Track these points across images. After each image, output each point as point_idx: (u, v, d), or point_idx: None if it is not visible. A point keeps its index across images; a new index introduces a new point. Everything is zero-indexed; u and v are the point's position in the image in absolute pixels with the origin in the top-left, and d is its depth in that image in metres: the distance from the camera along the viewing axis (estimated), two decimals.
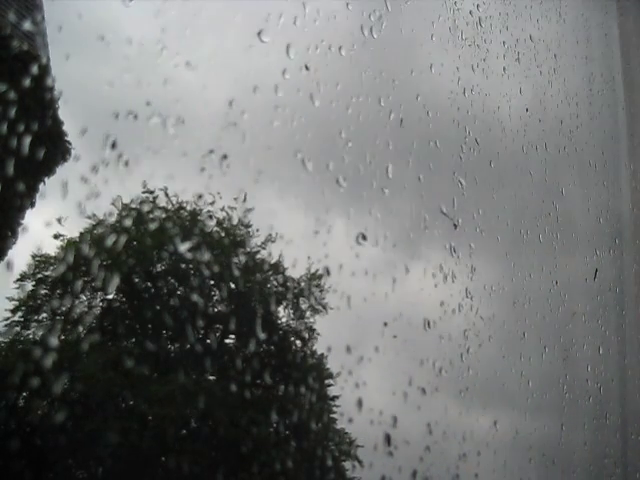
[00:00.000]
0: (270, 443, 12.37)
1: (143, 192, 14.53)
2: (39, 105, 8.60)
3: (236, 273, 14.51)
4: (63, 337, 12.90)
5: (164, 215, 14.78)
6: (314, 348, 14.92)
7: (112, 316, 14.20)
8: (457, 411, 4.68)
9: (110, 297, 14.44)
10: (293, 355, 14.26)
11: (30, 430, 12.40)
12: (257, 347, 13.84)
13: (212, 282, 14.59)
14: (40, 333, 13.74)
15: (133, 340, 13.66)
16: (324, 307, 15.03)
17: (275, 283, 15.19)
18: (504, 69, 5.24)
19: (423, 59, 4.99)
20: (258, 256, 15.19)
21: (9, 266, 8.91)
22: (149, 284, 14.77)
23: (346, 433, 13.80)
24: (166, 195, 14.84)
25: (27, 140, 8.44)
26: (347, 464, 13.59)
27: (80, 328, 13.94)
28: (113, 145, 4.64)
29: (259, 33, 4.16)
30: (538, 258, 5.41)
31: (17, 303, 14.11)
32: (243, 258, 14.89)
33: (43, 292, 14.56)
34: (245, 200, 13.62)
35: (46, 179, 9.29)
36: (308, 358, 14.58)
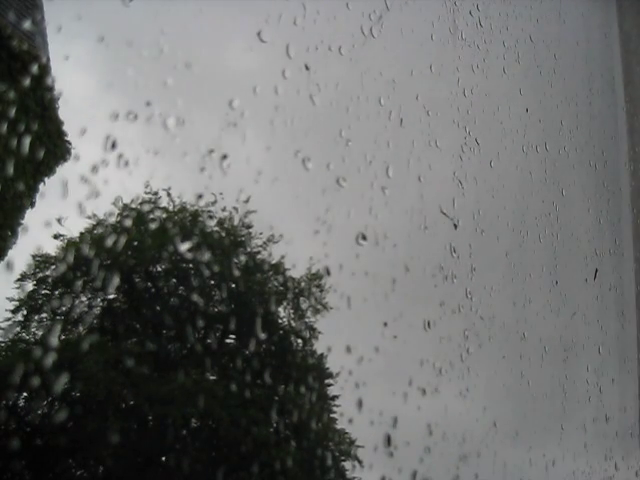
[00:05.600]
0: (270, 443, 12.38)
1: (146, 193, 14.59)
2: (39, 105, 8.60)
3: (236, 273, 14.51)
4: (63, 337, 12.91)
5: (164, 215, 14.80)
6: (314, 348, 14.94)
7: (112, 316, 14.20)
8: (457, 412, 4.68)
9: (110, 297, 14.44)
10: (293, 355, 14.26)
11: (30, 430, 12.40)
12: (257, 347, 13.84)
13: (212, 282, 14.60)
14: (40, 333, 13.75)
15: (133, 340, 13.65)
16: (324, 307, 15.04)
17: (275, 283, 15.19)
18: (504, 69, 5.23)
19: (423, 59, 4.99)
20: (258, 256, 15.20)
21: (9, 266, 8.91)
22: (149, 284, 14.78)
23: (346, 433, 13.80)
24: (168, 195, 14.88)
25: (27, 140, 8.44)
26: (347, 464, 13.61)
27: (80, 328, 13.95)
28: (113, 145, 4.63)
29: (259, 33, 4.15)
30: (538, 258, 5.41)
31: (17, 303, 14.13)
32: (243, 258, 14.89)
33: (43, 292, 14.57)
34: (247, 201, 13.63)
35: (46, 179, 9.30)
36: (308, 358, 14.58)
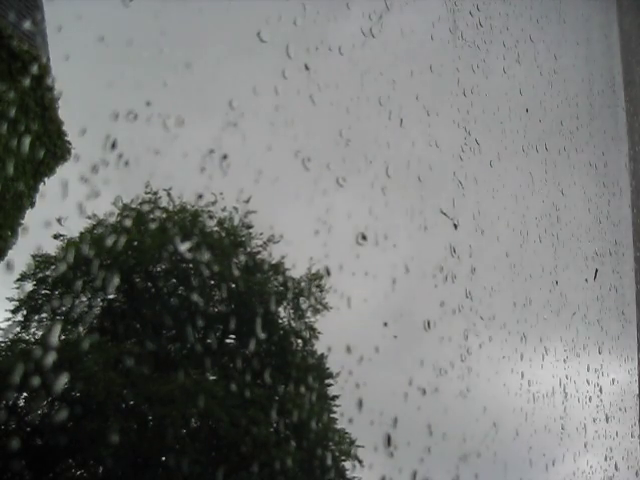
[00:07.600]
0: (270, 443, 12.37)
1: (146, 193, 14.60)
2: (39, 105, 8.60)
3: (236, 273, 14.51)
4: (63, 337, 12.90)
5: (164, 215, 14.80)
6: (314, 348, 14.95)
7: (112, 316, 14.20)
8: (457, 412, 4.68)
9: (110, 297, 14.44)
10: (293, 355, 14.25)
11: (30, 430, 12.40)
12: (257, 347, 13.84)
13: (212, 282, 14.60)
14: (40, 333, 13.75)
15: (133, 340, 13.65)
16: (324, 307, 15.05)
17: (275, 283, 15.19)
18: (504, 70, 5.24)
19: (423, 59, 4.99)
20: (258, 256, 15.21)
21: (9, 266, 8.90)
22: (149, 284, 14.77)
23: (346, 433, 13.80)
24: (168, 195, 14.89)
25: (27, 140, 8.44)
26: (347, 464, 13.61)
27: (80, 328, 13.94)
28: (113, 145, 4.63)
29: (259, 33, 4.15)
30: (538, 258, 5.41)
31: (17, 303, 14.13)
32: (243, 258, 14.90)
33: (43, 292, 14.57)
34: (248, 202, 13.63)
35: (46, 179, 9.29)
36: (308, 358, 14.58)
